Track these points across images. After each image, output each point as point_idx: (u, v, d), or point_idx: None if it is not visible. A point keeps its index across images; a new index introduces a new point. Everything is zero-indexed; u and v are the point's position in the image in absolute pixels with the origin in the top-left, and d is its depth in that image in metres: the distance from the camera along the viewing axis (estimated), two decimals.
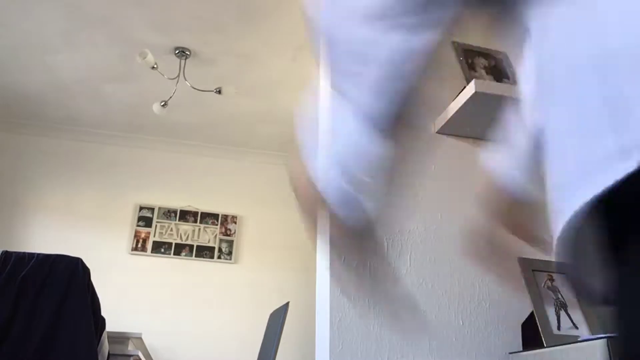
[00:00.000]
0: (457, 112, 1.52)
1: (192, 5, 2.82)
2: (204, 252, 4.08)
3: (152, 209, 4.12)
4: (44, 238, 3.88)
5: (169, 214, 4.14)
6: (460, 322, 1.37)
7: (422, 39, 0.62)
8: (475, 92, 1.43)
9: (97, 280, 2.05)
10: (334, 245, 1.26)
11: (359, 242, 0.67)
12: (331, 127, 0.60)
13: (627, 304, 0.39)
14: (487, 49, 1.68)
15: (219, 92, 3.53)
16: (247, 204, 4.31)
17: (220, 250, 4.12)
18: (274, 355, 1.95)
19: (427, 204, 1.50)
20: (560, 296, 1.32)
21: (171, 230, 4.10)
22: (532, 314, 1.27)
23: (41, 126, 4.10)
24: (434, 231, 1.47)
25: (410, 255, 1.42)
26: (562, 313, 1.28)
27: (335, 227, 0.68)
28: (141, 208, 4.11)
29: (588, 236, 0.43)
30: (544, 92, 0.50)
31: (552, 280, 1.34)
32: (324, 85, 1.76)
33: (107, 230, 3.99)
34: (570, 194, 0.42)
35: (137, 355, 2.75)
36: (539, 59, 0.52)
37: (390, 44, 0.59)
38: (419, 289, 1.39)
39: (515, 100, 1.57)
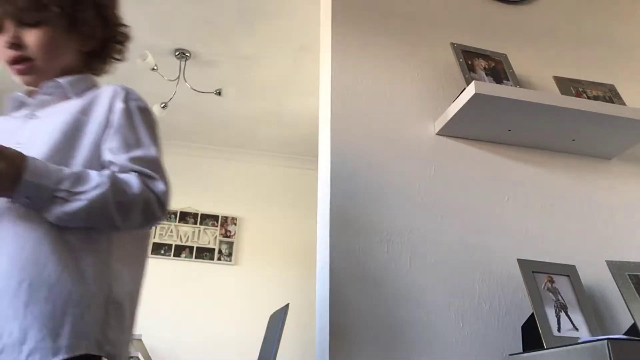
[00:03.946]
0: (457, 113, 1.52)
1: (192, 6, 2.82)
2: (203, 253, 4.08)
3: None
4: None
5: (168, 215, 4.14)
6: (460, 323, 1.37)
7: None
8: (475, 93, 1.44)
9: None
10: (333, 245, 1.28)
11: None
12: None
13: None
14: (487, 50, 1.68)
15: (219, 93, 3.53)
16: (247, 206, 4.30)
17: (220, 251, 4.12)
18: (274, 356, 1.94)
19: (427, 205, 1.50)
20: (560, 298, 1.32)
21: (171, 231, 4.10)
22: (532, 316, 1.27)
23: None
24: (434, 233, 1.47)
25: (410, 256, 1.42)
26: (562, 315, 1.28)
27: None
28: None
29: None
30: None
31: (552, 282, 1.34)
32: (325, 84, 1.75)
33: None
34: None
35: (137, 357, 2.74)
36: None
37: None
38: (419, 291, 1.38)
39: (515, 102, 1.59)
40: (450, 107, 1.56)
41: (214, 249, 4.11)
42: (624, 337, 1.07)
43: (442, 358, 1.32)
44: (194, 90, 3.39)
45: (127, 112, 0.97)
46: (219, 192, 4.31)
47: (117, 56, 1.13)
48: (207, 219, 4.20)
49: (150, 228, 0.98)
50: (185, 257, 4.05)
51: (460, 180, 1.57)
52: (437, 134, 1.61)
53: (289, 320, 2.08)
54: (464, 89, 1.50)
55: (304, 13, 2.83)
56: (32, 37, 0.97)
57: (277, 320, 2.15)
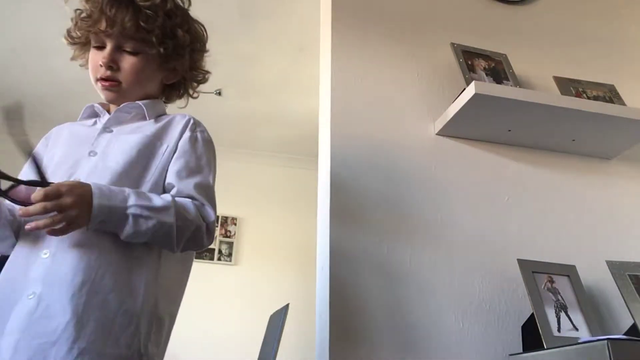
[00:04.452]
0: (457, 113, 1.52)
1: (191, 6, 2.82)
2: (203, 253, 4.07)
3: None
4: None
5: None
6: (460, 324, 1.37)
7: None
8: (475, 93, 1.43)
9: None
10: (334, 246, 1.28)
11: None
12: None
13: None
14: (487, 51, 1.68)
15: (219, 93, 3.53)
16: (247, 206, 4.30)
17: (220, 251, 4.12)
18: (274, 356, 1.95)
19: (427, 205, 1.50)
20: (560, 298, 1.32)
21: None
22: (532, 316, 1.27)
23: (42, 128, 4.09)
24: (434, 233, 1.47)
25: (410, 257, 1.42)
26: (562, 315, 1.28)
27: None
28: None
29: None
30: None
31: (552, 282, 1.34)
32: (325, 85, 1.75)
33: None
34: None
35: None
36: None
37: None
38: (419, 291, 1.38)
39: (515, 102, 1.59)
40: (450, 107, 1.55)
41: (214, 249, 4.11)
42: (624, 337, 1.07)
43: (442, 358, 1.32)
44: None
45: (193, 140, 1.06)
46: (219, 192, 4.25)
47: (191, 92, 1.24)
48: None
49: (196, 251, 1.05)
50: None
51: (460, 181, 1.57)
52: (437, 134, 1.61)
53: (289, 320, 2.08)
54: (464, 89, 1.50)
55: (304, 13, 2.83)
56: (127, 63, 1.05)
57: (277, 320, 2.15)
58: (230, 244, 4.16)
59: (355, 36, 1.70)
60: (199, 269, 3.99)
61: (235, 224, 4.23)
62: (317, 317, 1.40)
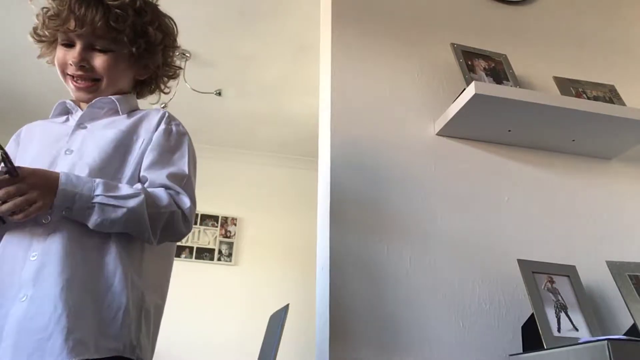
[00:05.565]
0: (457, 113, 1.52)
1: (191, 6, 2.82)
2: (203, 254, 4.08)
3: None
4: None
5: None
6: (461, 324, 1.37)
7: None
8: (475, 93, 1.43)
9: None
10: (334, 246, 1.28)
11: None
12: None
13: None
14: (487, 51, 1.68)
15: (219, 94, 3.53)
16: (247, 206, 4.30)
17: (220, 252, 4.11)
18: (274, 357, 1.94)
19: (427, 206, 1.50)
20: (560, 298, 1.32)
21: None
22: (532, 316, 1.27)
23: None
24: (434, 233, 1.47)
25: (410, 256, 1.42)
26: (562, 315, 1.28)
27: None
28: None
29: None
30: None
31: (552, 282, 1.34)
32: (325, 83, 1.75)
33: None
34: None
35: None
36: None
37: None
38: (419, 291, 1.38)
39: (515, 103, 1.59)
40: (450, 108, 1.55)
41: (214, 250, 4.11)
42: (624, 337, 1.07)
43: (443, 358, 1.32)
44: (194, 90, 3.39)
45: (167, 133, 1.06)
46: (219, 193, 4.30)
47: (162, 87, 1.24)
48: (207, 219, 4.20)
49: (175, 241, 1.04)
50: (185, 257, 4.04)
51: (460, 181, 1.57)
52: (437, 134, 1.61)
53: (289, 320, 2.08)
54: (464, 89, 1.50)
55: (304, 13, 2.83)
56: (99, 61, 1.03)
57: (277, 321, 2.15)
58: (230, 244, 4.16)
59: (355, 36, 1.70)
60: (199, 269, 4.02)
61: (235, 224, 4.23)
62: (317, 318, 1.40)
